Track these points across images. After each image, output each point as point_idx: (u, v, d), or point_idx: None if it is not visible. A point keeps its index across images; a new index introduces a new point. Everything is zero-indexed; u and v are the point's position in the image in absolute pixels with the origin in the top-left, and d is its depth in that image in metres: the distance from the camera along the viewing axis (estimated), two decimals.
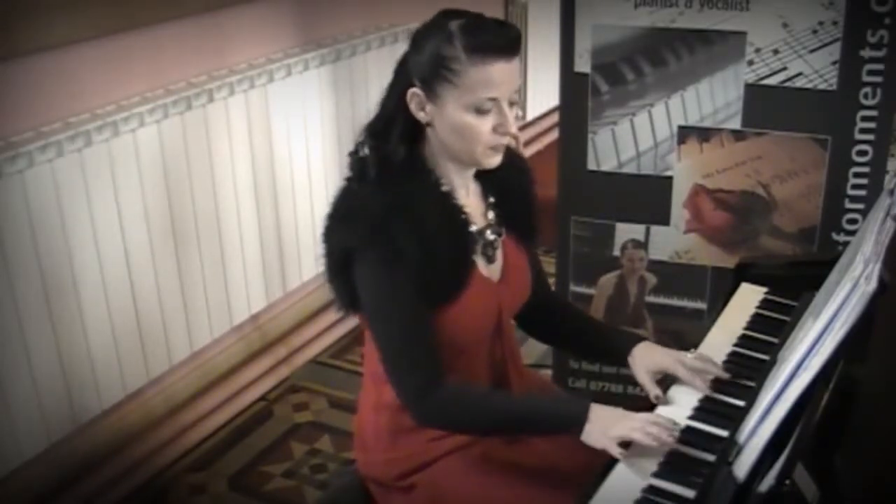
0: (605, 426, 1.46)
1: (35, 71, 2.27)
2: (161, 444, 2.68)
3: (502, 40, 1.49)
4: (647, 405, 1.60)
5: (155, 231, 2.54)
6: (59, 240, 2.28)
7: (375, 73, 3.19)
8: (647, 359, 1.66)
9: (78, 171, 2.30)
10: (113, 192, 2.40)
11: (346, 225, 1.52)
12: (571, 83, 2.47)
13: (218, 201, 2.73)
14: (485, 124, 1.50)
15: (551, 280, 2.53)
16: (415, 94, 1.52)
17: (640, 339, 1.72)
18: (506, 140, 1.54)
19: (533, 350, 3.01)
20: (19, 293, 2.21)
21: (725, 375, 1.64)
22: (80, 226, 2.33)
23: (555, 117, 2.65)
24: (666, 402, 1.60)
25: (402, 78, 1.54)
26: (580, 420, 1.47)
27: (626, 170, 2.49)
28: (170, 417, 2.74)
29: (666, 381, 1.65)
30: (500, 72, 1.48)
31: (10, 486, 2.30)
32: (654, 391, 1.61)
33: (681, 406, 1.59)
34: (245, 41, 2.85)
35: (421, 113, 1.53)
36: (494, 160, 1.56)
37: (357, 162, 1.57)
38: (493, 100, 1.49)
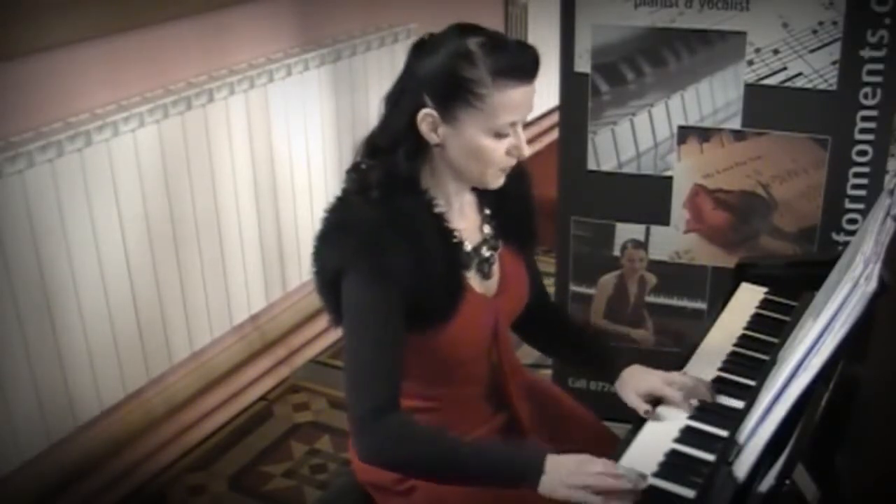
0: (562, 476, 1.38)
1: (35, 71, 2.27)
2: (161, 444, 2.68)
3: (528, 64, 1.45)
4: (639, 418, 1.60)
5: (155, 231, 2.54)
6: (59, 240, 2.28)
7: (375, 73, 3.19)
8: (637, 383, 1.65)
9: (78, 171, 2.30)
10: (113, 191, 2.40)
11: (337, 239, 1.49)
12: (571, 83, 2.46)
13: (218, 201, 2.72)
14: (501, 147, 1.48)
15: (551, 280, 2.54)
16: (428, 114, 1.46)
17: (629, 362, 1.70)
18: (514, 162, 1.52)
19: (533, 350, 3.00)
20: (19, 293, 2.21)
21: (713, 399, 1.60)
22: (80, 226, 2.33)
23: (555, 117, 2.65)
24: (656, 418, 1.58)
25: (411, 96, 1.47)
26: (536, 471, 1.40)
27: (626, 170, 2.49)
28: (170, 417, 2.74)
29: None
30: (523, 95, 1.45)
31: (10, 486, 2.30)
32: (643, 407, 1.60)
33: (671, 420, 1.57)
34: (245, 41, 2.85)
35: (433, 134, 1.47)
36: (501, 181, 1.54)
37: (357, 180, 1.52)
38: (513, 124, 1.47)
